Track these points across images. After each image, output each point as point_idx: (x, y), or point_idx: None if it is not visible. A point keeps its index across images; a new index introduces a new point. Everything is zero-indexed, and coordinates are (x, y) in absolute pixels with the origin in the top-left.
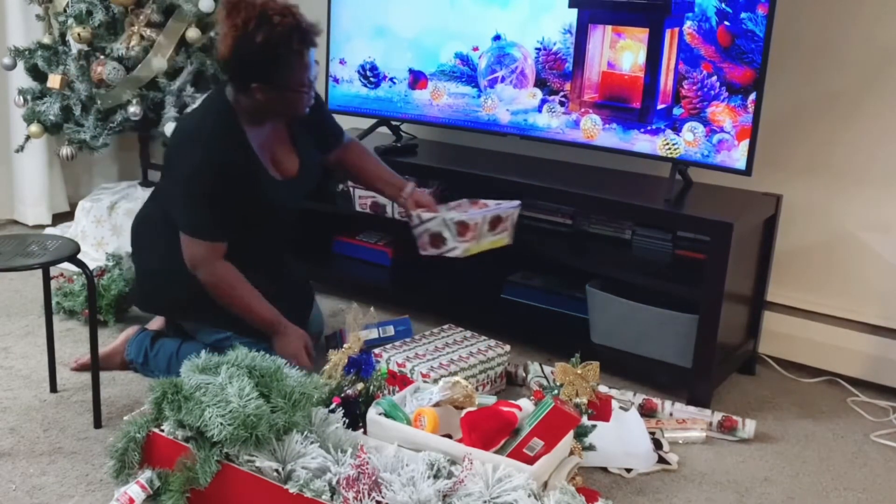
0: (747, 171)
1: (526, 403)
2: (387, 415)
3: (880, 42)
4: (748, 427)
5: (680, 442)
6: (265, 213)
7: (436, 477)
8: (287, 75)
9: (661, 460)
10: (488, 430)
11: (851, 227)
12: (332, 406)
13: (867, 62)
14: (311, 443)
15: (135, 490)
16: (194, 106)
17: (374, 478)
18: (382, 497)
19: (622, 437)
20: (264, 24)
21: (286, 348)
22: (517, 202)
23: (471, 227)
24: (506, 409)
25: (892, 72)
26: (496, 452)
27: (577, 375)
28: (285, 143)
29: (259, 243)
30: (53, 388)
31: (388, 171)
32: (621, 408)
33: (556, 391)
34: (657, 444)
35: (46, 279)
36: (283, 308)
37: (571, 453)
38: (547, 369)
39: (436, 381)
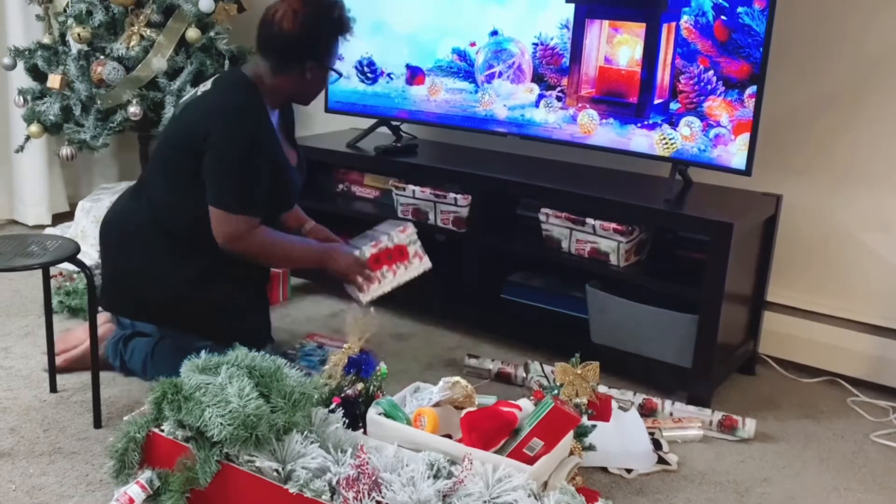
0: (747, 171)
1: (526, 403)
2: (387, 415)
3: (880, 41)
4: (748, 427)
5: (678, 441)
6: (287, 196)
7: (436, 477)
8: (334, 58)
9: (661, 460)
10: (488, 430)
11: (851, 227)
12: (332, 406)
13: (867, 61)
14: (311, 443)
15: (135, 490)
16: (206, 86)
17: (374, 478)
18: (382, 497)
19: (622, 437)
20: (337, 5)
21: (339, 266)
22: (403, 224)
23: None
24: (506, 409)
25: (893, 71)
26: (496, 452)
27: (577, 375)
28: (286, 133)
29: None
30: (53, 388)
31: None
32: (621, 408)
33: (556, 391)
34: (657, 445)
35: (46, 279)
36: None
37: (571, 453)
38: (547, 369)
39: None
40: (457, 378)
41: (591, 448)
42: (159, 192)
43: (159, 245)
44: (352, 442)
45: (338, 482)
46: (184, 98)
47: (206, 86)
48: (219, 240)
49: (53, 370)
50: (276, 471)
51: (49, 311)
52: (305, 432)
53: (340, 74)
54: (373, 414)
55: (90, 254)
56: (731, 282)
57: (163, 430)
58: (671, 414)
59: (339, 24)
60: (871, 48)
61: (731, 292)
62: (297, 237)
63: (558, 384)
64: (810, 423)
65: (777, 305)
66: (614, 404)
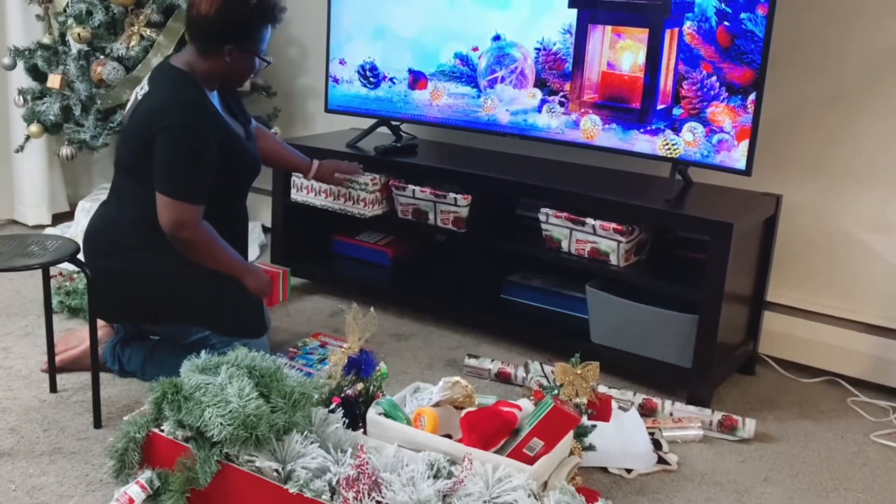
0: (747, 172)
1: (526, 403)
2: (387, 415)
3: (880, 43)
4: (748, 426)
5: (678, 441)
6: (251, 164)
7: (436, 477)
8: (258, 44)
9: (661, 460)
10: (488, 430)
11: (852, 228)
12: (332, 406)
13: (868, 63)
14: (311, 443)
15: (135, 490)
16: (144, 88)
17: (374, 478)
18: (382, 497)
19: (622, 437)
20: None
21: (257, 285)
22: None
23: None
24: (506, 409)
25: (893, 72)
26: (496, 452)
27: (577, 375)
28: (229, 109)
29: (240, 202)
30: (53, 389)
31: (296, 152)
32: (621, 408)
33: (556, 391)
34: (657, 445)
35: (46, 279)
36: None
37: (571, 453)
38: (547, 369)
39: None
40: (457, 378)
41: (591, 448)
42: (132, 194)
43: (139, 244)
44: (352, 442)
45: (338, 482)
46: (128, 106)
47: (144, 87)
48: (165, 226)
49: (53, 370)
50: (276, 471)
51: (49, 311)
52: (305, 432)
53: (268, 62)
54: (373, 414)
55: None
56: (731, 282)
57: (163, 430)
58: (671, 414)
59: (259, 11)
60: (872, 50)
61: (731, 292)
62: (227, 245)
63: (558, 384)
64: (810, 423)
65: (777, 305)
66: (614, 404)
